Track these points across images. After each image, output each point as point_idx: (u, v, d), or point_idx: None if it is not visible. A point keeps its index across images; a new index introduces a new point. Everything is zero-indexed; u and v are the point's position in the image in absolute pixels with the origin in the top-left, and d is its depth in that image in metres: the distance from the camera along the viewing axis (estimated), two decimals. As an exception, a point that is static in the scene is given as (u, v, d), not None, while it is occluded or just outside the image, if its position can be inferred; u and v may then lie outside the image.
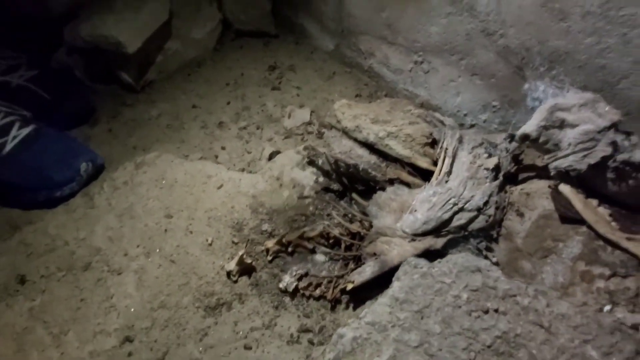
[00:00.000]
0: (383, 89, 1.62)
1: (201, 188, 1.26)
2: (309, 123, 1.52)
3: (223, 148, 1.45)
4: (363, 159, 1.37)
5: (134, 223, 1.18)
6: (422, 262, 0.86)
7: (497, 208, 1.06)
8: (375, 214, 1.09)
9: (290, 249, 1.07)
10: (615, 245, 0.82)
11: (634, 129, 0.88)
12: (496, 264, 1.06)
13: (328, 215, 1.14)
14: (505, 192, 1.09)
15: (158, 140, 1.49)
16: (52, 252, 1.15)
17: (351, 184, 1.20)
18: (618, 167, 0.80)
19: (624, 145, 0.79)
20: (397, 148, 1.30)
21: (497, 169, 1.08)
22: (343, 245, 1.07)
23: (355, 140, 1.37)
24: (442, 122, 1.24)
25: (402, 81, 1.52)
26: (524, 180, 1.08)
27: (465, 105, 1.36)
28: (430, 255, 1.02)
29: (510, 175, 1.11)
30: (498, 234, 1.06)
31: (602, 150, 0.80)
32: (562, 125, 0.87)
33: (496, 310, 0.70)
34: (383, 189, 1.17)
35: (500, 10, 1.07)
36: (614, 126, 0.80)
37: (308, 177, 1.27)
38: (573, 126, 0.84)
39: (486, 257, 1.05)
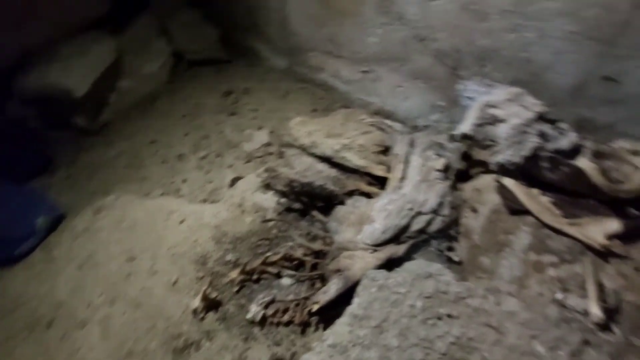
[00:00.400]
0: (338, 101, 1.65)
1: (163, 225, 1.24)
2: (269, 144, 1.53)
3: (184, 181, 1.44)
4: (323, 174, 1.38)
5: (95, 271, 1.16)
6: (380, 274, 0.87)
7: (452, 208, 1.07)
8: (335, 230, 1.09)
9: (255, 277, 1.06)
10: (560, 232, 0.84)
11: (562, 116, 0.91)
12: (459, 262, 1.08)
13: (290, 237, 1.14)
14: (458, 190, 1.11)
15: (118, 181, 1.48)
16: (15, 311, 1.12)
17: (311, 201, 1.21)
18: (550, 156, 0.83)
19: (552, 134, 0.82)
20: (353, 159, 1.32)
21: (447, 169, 1.10)
22: (308, 265, 1.07)
23: (314, 155, 1.39)
24: (392, 128, 1.27)
25: (354, 91, 1.55)
26: (475, 176, 1.11)
27: (414, 108, 1.39)
28: (393, 263, 1.03)
29: (461, 173, 1.13)
30: (457, 232, 1.08)
31: (533, 141, 0.83)
32: (494, 121, 0.90)
33: (449, 316, 0.71)
34: (342, 202, 1.18)
35: (427, 17, 1.10)
36: (540, 117, 0.82)
37: (270, 200, 1.27)
38: (504, 121, 0.87)
39: (449, 258, 1.07)
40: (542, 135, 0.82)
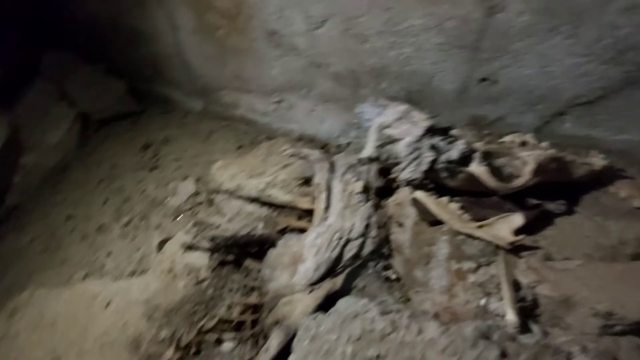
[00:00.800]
0: (262, 132, 1.61)
1: (86, 314, 1.13)
2: (197, 193, 1.45)
3: (108, 254, 1.32)
4: (254, 215, 1.34)
5: (16, 386, 1.03)
6: (313, 322, 0.83)
7: (379, 227, 1.07)
8: (269, 277, 1.05)
9: (193, 350, 0.99)
10: (472, 237, 0.87)
11: (457, 117, 0.94)
12: (397, 279, 1.08)
13: (226, 296, 1.08)
14: (382, 207, 1.12)
15: (35, 270, 1.33)
16: None
17: (244, 250, 1.16)
18: (446, 167, 0.85)
19: (442, 146, 0.84)
20: (279, 195, 1.29)
21: (366, 189, 1.10)
22: (247, 323, 1.02)
23: (243, 197, 1.34)
24: (311, 156, 1.26)
25: (274, 122, 1.53)
26: (395, 190, 1.12)
27: (333, 128, 1.39)
28: (334, 298, 1.00)
29: (382, 189, 1.14)
30: (389, 249, 1.08)
31: (427, 156, 0.84)
32: (392, 140, 0.91)
33: (378, 357, 0.69)
34: (274, 245, 1.14)
35: (316, 45, 1.11)
36: (429, 131, 0.85)
37: (202, 257, 1.20)
38: (399, 140, 0.88)
39: (387, 277, 1.07)
40: (435, 148, 0.84)
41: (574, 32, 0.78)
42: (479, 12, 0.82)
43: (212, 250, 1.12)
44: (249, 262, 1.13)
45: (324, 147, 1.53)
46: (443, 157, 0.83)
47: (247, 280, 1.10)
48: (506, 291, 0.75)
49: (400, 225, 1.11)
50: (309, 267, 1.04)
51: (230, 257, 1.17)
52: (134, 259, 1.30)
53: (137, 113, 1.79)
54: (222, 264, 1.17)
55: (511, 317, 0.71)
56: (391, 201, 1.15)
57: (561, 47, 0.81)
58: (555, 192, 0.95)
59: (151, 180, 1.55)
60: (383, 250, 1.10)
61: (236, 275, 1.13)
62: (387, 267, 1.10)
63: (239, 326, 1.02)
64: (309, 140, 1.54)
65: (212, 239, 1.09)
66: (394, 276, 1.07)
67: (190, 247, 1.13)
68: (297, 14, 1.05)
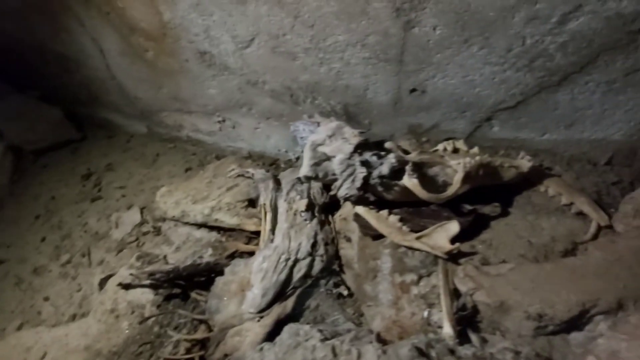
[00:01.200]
0: (211, 152, 1.56)
1: (19, 370, 1.03)
2: (142, 223, 1.38)
3: (46, 299, 1.22)
4: (202, 241, 1.29)
5: None
6: (257, 355, 0.79)
7: (326, 244, 1.05)
8: (216, 308, 1.00)
9: (137, 397, 0.93)
10: (412, 249, 0.87)
11: (396, 127, 0.94)
12: (350, 295, 1.06)
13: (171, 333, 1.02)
14: (329, 223, 1.10)
15: (-37, 326, 1.21)
16: None
17: (190, 281, 1.10)
18: (380, 182, 0.84)
19: (373, 161, 0.83)
20: (226, 219, 1.24)
21: (311, 206, 1.08)
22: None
23: (190, 224, 1.29)
24: (256, 176, 1.22)
25: (220, 140, 1.48)
26: (341, 205, 1.11)
27: (280, 144, 1.36)
28: (285, 323, 0.97)
29: (329, 205, 1.12)
30: (340, 265, 1.07)
31: (360, 172, 0.83)
32: (327, 158, 0.90)
33: (317, 387, 0.67)
34: (222, 272, 1.09)
35: (248, 64, 1.08)
36: (359, 147, 0.84)
37: (147, 292, 1.13)
38: (332, 158, 0.87)
39: (339, 294, 1.05)
40: (366, 164, 0.84)
41: (486, 42, 0.80)
42: (396, 27, 0.83)
43: (154, 287, 1.06)
44: (195, 294, 1.07)
45: (273, 163, 1.51)
46: (375, 173, 0.83)
47: (195, 313, 1.05)
48: (444, 303, 0.75)
49: (348, 240, 1.09)
50: (256, 294, 1.00)
51: (177, 290, 1.11)
52: (74, 301, 1.21)
53: (77, 140, 1.68)
54: (168, 298, 1.11)
55: (448, 329, 0.71)
56: (337, 216, 1.14)
57: (477, 57, 0.83)
58: (490, 195, 0.97)
59: (93, 212, 1.45)
60: (333, 267, 1.08)
61: (183, 309, 1.07)
62: (338, 284, 1.08)
63: (186, 365, 0.97)
64: (259, 157, 1.51)
65: (151, 275, 1.02)
66: (345, 292, 1.05)
67: (127, 287, 1.06)
68: (223, 34, 1.02)
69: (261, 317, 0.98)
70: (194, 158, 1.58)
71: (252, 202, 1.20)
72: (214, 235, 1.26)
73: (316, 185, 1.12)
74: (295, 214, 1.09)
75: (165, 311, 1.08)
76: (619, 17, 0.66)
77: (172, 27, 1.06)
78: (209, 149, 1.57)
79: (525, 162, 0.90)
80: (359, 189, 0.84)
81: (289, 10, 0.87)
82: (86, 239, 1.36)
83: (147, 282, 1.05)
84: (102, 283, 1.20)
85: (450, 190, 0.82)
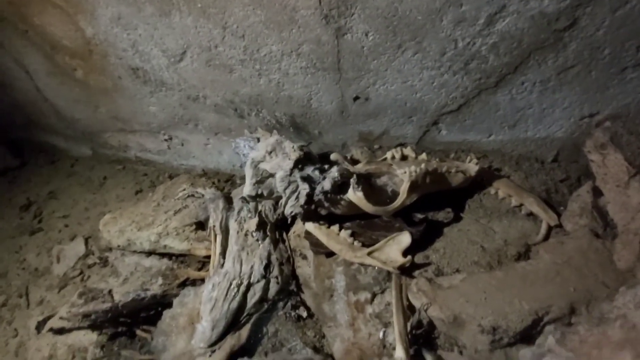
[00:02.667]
0: (163, 171, 1.46)
1: None
2: (87, 255, 1.26)
3: (-24, 350, 1.10)
4: (152, 270, 1.20)
5: None
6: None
7: (280, 264, 0.99)
8: (162, 346, 0.91)
9: None
10: (364, 265, 0.83)
11: (347, 135, 0.90)
12: (310, 316, 1.00)
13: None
14: (283, 241, 1.05)
15: None
16: None
17: (135, 317, 1.01)
18: (324, 197, 0.80)
19: (315, 176, 0.79)
20: (175, 244, 1.15)
21: (262, 225, 1.02)
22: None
23: (138, 252, 1.19)
24: (206, 196, 1.15)
25: (172, 159, 1.39)
26: (294, 222, 1.06)
27: (234, 159, 1.29)
28: (241, 353, 0.90)
29: (282, 222, 1.07)
30: (297, 285, 1.01)
31: (303, 188, 0.79)
32: (269, 175, 0.84)
33: None
34: (170, 304, 1.01)
35: (183, 78, 1.01)
36: (300, 162, 0.79)
37: (89, 333, 1.03)
38: (273, 175, 0.82)
39: (299, 316, 0.99)
40: (309, 179, 0.79)
41: (419, 47, 0.77)
42: (327, 34, 0.79)
43: (92, 328, 0.96)
44: (140, 332, 0.98)
45: (229, 179, 1.43)
46: (318, 189, 0.78)
47: (143, 352, 0.96)
48: (396, 322, 0.71)
49: (304, 257, 1.03)
50: (205, 327, 0.92)
51: (122, 328, 1.02)
52: (9, 349, 1.08)
53: (14, 168, 1.55)
54: (113, 337, 1.01)
55: (400, 353, 0.67)
56: (292, 233, 1.08)
57: (413, 62, 0.81)
58: (442, 200, 0.94)
59: (32, 246, 1.32)
60: (290, 288, 1.02)
61: (130, 349, 0.98)
62: (297, 306, 1.01)
63: (131, 414, 0.88)
64: (214, 174, 1.43)
65: (86, 316, 0.93)
66: (305, 314, 0.99)
67: (60, 331, 0.95)
68: (152, 48, 0.95)
69: (213, 352, 0.91)
70: (145, 179, 1.48)
71: (201, 225, 1.12)
72: (164, 262, 1.17)
73: (268, 202, 1.06)
74: (246, 235, 1.03)
75: (110, 353, 0.99)
76: (542, 16, 0.65)
77: (96, 43, 0.97)
78: (161, 169, 1.47)
79: (472, 166, 0.88)
80: (302, 206, 0.79)
81: (216, 21, 0.82)
82: (24, 277, 1.23)
83: (84, 324, 0.95)
84: (40, 326, 1.08)
85: (397, 202, 0.79)
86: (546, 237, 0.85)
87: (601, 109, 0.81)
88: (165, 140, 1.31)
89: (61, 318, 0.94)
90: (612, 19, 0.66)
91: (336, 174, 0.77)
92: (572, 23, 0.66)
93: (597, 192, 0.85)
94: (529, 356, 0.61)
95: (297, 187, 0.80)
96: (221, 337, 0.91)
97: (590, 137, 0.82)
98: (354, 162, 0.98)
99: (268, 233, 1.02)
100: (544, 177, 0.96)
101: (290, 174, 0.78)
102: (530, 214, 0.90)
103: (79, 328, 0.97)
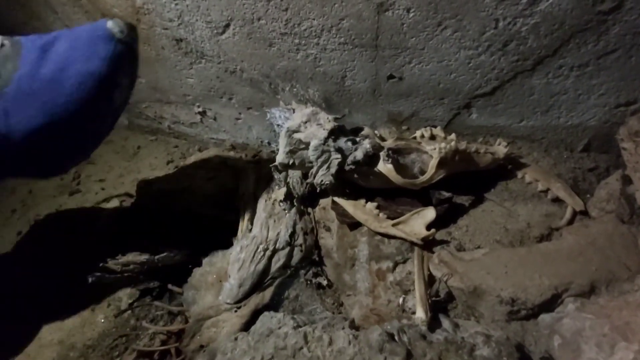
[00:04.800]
0: (193, 144, 1.53)
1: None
2: (120, 216, 1.36)
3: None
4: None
5: None
6: (229, 344, 0.78)
7: (305, 234, 1.04)
8: (192, 299, 0.98)
9: (111, 389, 0.91)
10: (387, 236, 0.86)
11: (376, 115, 0.93)
12: (329, 285, 1.05)
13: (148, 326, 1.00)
14: (308, 213, 1.09)
15: None
16: None
17: (166, 272, 1.09)
18: (354, 168, 0.83)
19: (347, 147, 0.82)
20: (205, 210, 1.23)
21: (290, 196, 1.07)
22: (173, 353, 0.95)
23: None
24: (240, 164, 1.20)
25: (203, 132, 1.45)
26: (320, 194, 1.10)
27: (262, 135, 1.34)
28: (261, 313, 0.96)
29: (309, 195, 1.11)
30: (319, 255, 1.06)
31: (335, 158, 0.82)
32: (303, 145, 0.88)
33: (289, 375, 0.66)
34: (200, 263, 1.08)
35: (224, 51, 1.06)
36: (334, 132, 0.82)
37: (123, 285, 1.12)
38: (308, 144, 0.86)
39: (319, 284, 1.04)
40: (340, 150, 0.82)
41: (459, 25, 0.79)
42: (369, 9, 0.81)
43: (129, 279, 1.04)
44: (171, 287, 1.05)
45: (256, 155, 1.49)
46: (349, 159, 0.82)
47: (172, 304, 1.03)
48: (417, 288, 0.75)
49: (327, 229, 1.08)
50: (233, 284, 0.98)
51: (154, 283, 1.09)
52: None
53: (55, 133, 1.65)
54: (144, 291, 1.09)
55: (420, 314, 0.70)
56: (318, 205, 1.12)
57: (452, 41, 0.82)
58: (468, 182, 0.96)
59: (71, 205, 1.42)
60: (313, 257, 1.07)
61: (160, 302, 1.05)
62: (318, 274, 1.07)
63: (162, 356, 0.95)
64: (242, 149, 1.49)
65: (125, 265, 1.00)
66: (325, 282, 1.04)
67: (100, 279, 1.03)
68: (198, 20, 1.00)
69: (238, 308, 0.97)
70: (176, 151, 1.55)
71: (232, 193, 1.18)
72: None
73: (295, 175, 1.10)
74: (273, 204, 1.08)
75: (142, 303, 1.07)
76: (588, -3, 0.65)
77: (145, 12, 1.03)
78: (191, 141, 1.54)
79: (501, 148, 0.89)
80: (334, 175, 0.83)
81: (261, -7, 0.85)
82: (64, 232, 1.33)
83: (124, 273, 1.03)
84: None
85: (426, 176, 0.82)
86: (570, 222, 0.86)
87: (639, 97, 0.81)
88: (199, 113, 1.36)
89: (104, 266, 1.01)
90: (658, 5, 0.66)
91: (368, 146, 0.80)
92: (618, 5, 0.66)
93: (626, 181, 0.85)
94: (547, 320, 0.63)
95: (330, 156, 0.84)
96: (246, 296, 0.97)
97: (624, 125, 0.82)
98: (382, 139, 1.01)
99: (295, 204, 1.07)
100: (572, 166, 0.97)
101: (324, 143, 0.82)
102: (556, 200, 0.92)
103: (118, 279, 1.06)
